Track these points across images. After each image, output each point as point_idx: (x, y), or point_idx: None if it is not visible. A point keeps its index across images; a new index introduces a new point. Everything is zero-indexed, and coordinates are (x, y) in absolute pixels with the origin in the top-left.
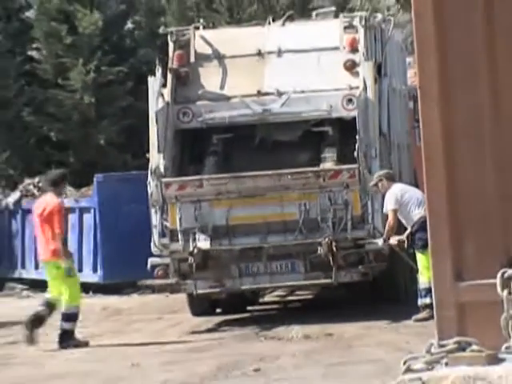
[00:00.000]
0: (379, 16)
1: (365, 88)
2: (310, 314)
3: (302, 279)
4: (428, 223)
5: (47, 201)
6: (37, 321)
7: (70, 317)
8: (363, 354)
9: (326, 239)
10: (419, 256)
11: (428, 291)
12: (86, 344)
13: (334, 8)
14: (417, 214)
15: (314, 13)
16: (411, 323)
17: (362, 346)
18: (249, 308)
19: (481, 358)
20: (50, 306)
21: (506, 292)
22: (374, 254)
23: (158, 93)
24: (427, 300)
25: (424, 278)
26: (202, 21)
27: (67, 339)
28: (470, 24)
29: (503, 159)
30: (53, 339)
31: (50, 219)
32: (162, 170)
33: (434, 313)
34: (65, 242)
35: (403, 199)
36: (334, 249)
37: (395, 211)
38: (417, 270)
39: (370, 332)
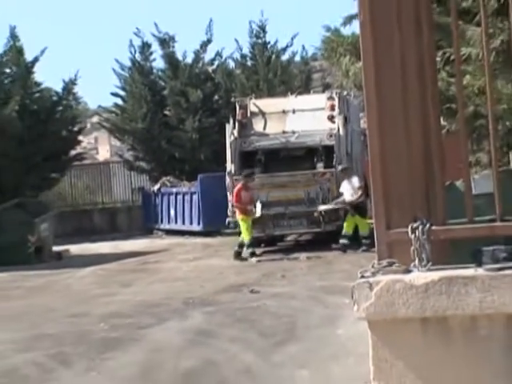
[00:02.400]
0: (345, 92)
1: (338, 129)
2: (310, 247)
3: (305, 229)
4: (372, 196)
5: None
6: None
7: (242, 244)
8: (338, 268)
9: (318, 208)
10: (359, 218)
11: (366, 237)
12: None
13: (322, 87)
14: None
15: (311, 90)
16: (362, 253)
17: (337, 263)
18: (278, 244)
19: (400, 270)
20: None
21: (413, 235)
22: (343, 214)
23: (231, 132)
24: (367, 241)
25: (364, 230)
26: (253, 95)
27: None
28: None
29: (412, 156)
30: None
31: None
32: (232, 171)
33: (375, 247)
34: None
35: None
36: (323, 213)
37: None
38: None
39: (342, 256)
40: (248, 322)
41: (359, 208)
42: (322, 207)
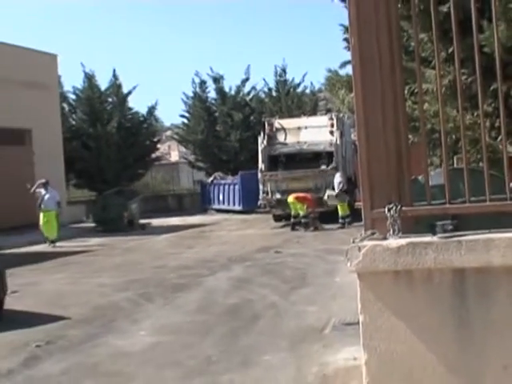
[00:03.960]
0: (341, 114)
1: (336, 140)
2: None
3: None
4: (361, 186)
5: None
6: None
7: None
8: (336, 237)
9: (323, 194)
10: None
11: (344, 217)
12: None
13: (325, 111)
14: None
15: (318, 113)
16: (351, 226)
17: (336, 233)
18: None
19: (379, 238)
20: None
21: (388, 214)
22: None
23: (261, 142)
24: (346, 220)
25: (343, 211)
26: (277, 116)
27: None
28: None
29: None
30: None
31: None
32: (263, 169)
33: (363, 222)
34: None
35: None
36: (326, 197)
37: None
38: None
39: (339, 230)
40: (273, 273)
41: (344, 194)
42: (329, 192)
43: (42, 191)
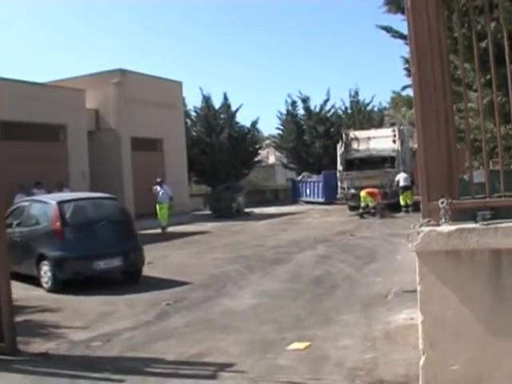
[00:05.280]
0: (402, 127)
1: (398, 147)
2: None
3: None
4: (419, 183)
5: None
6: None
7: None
8: (398, 223)
9: (388, 188)
10: (403, 195)
11: (407, 205)
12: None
13: (389, 125)
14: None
15: (384, 126)
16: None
17: (399, 221)
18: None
19: (434, 224)
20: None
21: (441, 205)
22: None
23: (339, 148)
24: (406, 209)
25: (407, 200)
26: (352, 129)
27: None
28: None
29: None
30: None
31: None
32: (341, 169)
33: (421, 211)
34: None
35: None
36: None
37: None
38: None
39: (404, 216)
40: (349, 251)
41: (407, 188)
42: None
43: (158, 188)
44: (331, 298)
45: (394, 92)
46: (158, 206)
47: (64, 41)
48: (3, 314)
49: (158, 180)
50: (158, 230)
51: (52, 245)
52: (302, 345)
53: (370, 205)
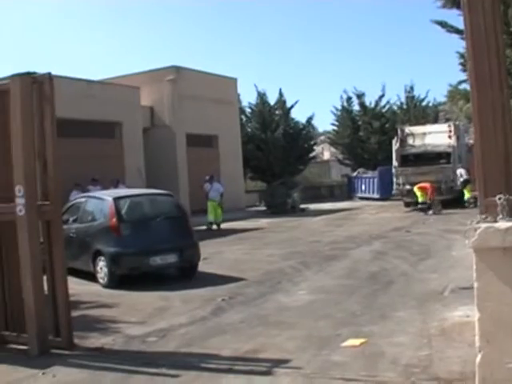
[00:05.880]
0: (457, 122)
1: (453, 143)
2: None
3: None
4: (476, 179)
5: None
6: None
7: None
8: (454, 219)
9: (444, 184)
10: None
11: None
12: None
13: (444, 120)
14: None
15: (439, 121)
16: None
17: (454, 216)
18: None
19: (491, 221)
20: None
21: (499, 202)
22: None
23: (395, 144)
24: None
25: (468, 195)
26: (407, 124)
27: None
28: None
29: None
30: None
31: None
32: (396, 165)
33: (478, 207)
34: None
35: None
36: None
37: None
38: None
39: (461, 211)
40: (404, 247)
41: (467, 182)
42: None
43: (208, 185)
44: (386, 295)
45: (450, 85)
46: (208, 203)
47: (120, 39)
48: (60, 309)
49: (208, 177)
50: (214, 227)
51: (108, 241)
52: (357, 341)
53: (420, 200)
